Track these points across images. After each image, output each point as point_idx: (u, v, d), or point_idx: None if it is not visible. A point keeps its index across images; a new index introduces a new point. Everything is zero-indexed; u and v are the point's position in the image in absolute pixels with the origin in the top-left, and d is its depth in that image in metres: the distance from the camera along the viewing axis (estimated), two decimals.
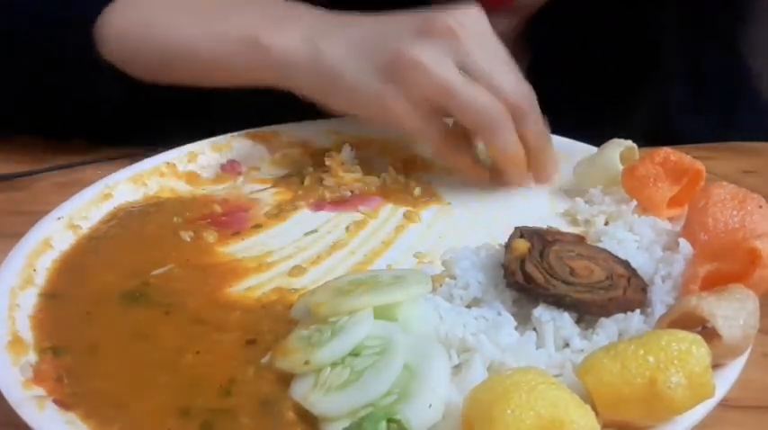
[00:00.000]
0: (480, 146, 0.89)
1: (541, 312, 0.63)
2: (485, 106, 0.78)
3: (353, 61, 0.80)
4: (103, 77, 0.94)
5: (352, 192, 0.89)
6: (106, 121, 1.01)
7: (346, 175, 0.90)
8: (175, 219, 0.84)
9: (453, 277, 0.69)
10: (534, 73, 1.14)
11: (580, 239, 0.73)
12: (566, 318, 0.63)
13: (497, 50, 0.82)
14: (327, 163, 0.91)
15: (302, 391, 0.58)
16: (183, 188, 0.91)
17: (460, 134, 0.85)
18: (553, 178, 0.88)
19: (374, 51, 0.79)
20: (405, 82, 0.77)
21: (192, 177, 0.93)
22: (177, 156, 0.94)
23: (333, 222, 0.85)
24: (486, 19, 0.81)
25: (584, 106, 1.08)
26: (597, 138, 0.90)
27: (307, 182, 0.91)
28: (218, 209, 0.86)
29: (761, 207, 0.71)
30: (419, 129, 0.82)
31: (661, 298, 0.65)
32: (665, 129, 1.10)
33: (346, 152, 0.93)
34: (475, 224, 0.84)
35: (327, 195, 0.88)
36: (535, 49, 1.14)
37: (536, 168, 0.87)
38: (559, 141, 0.95)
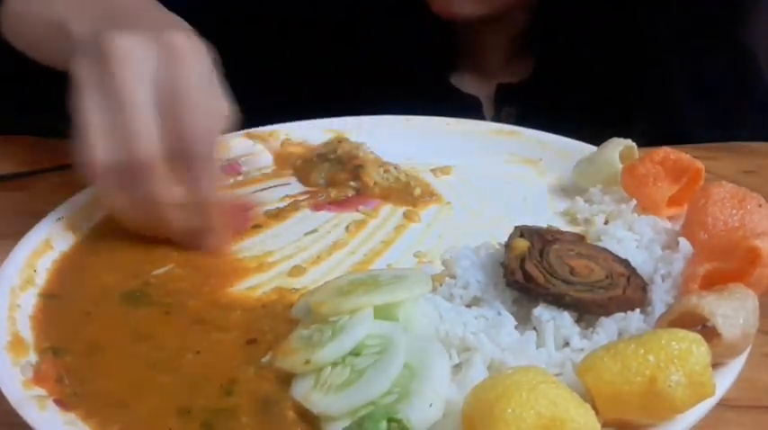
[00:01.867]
0: None
1: (541, 311, 0.63)
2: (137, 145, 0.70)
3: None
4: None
5: (356, 191, 0.89)
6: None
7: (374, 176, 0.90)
8: None
9: (453, 276, 0.69)
10: (537, 74, 1.15)
11: (580, 238, 0.73)
12: (566, 318, 0.63)
13: (178, 87, 0.72)
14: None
15: (303, 391, 0.58)
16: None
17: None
18: (218, 245, 0.79)
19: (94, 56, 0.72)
20: (105, 70, 0.70)
21: None
22: None
23: (333, 222, 0.85)
24: (177, 47, 0.72)
25: (585, 106, 1.09)
26: (597, 138, 0.90)
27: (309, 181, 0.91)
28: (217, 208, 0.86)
29: (760, 206, 0.71)
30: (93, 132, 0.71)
31: (661, 297, 0.66)
32: (665, 128, 1.10)
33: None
34: (475, 224, 0.84)
35: (327, 195, 0.89)
36: (537, 52, 1.14)
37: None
38: (559, 141, 0.95)
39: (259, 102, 0.92)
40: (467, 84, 1.19)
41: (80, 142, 0.71)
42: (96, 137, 0.70)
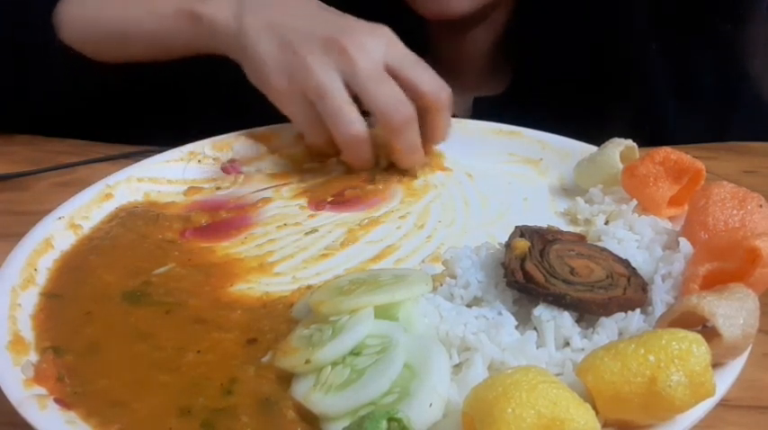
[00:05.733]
0: None
1: (542, 311, 0.63)
2: (390, 104, 0.87)
3: (266, 42, 0.90)
4: (66, 62, 1.03)
5: (353, 191, 0.89)
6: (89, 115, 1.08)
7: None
8: (176, 219, 0.84)
9: (454, 276, 0.69)
10: (515, 82, 1.15)
11: (580, 238, 0.73)
12: (566, 318, 0.63)
13: (406, 59, 0.90)
14: None
15: (303, 390, 0.58)
16: (183, 188, 0.91)
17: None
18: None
19: (283, 41, 0.89)
20: (294, 76, 0.88)
21: (192, 177, 0.93)
22: (178, 155, 0.95)
23: (333, 222, 0.85)
24: (391, 37, 0.90)
25: (564, 114, 1.08)
26: (597, 138, 0.90)
27: (308, 182, 0.91)
28: (218, 208, 0.86)
29: (761, 206, 0.71)
30: (293, 113, 0.91)
31: (661, 297, 0.66)
32: (656, 128, 1.10)
33: None
34: (475, 224, 0.84)
35: (328, 195, 0.89)
36: (516, 57, 1.15)
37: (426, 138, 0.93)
38: (560, 141, 0.95)
39: (260, 105, 0.92)
40: None
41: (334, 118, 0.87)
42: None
